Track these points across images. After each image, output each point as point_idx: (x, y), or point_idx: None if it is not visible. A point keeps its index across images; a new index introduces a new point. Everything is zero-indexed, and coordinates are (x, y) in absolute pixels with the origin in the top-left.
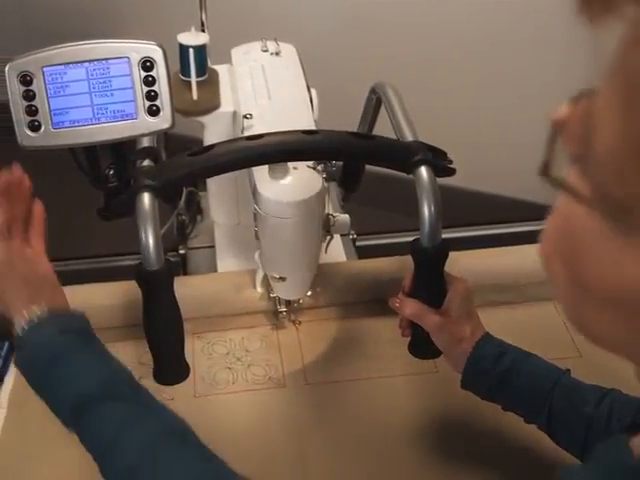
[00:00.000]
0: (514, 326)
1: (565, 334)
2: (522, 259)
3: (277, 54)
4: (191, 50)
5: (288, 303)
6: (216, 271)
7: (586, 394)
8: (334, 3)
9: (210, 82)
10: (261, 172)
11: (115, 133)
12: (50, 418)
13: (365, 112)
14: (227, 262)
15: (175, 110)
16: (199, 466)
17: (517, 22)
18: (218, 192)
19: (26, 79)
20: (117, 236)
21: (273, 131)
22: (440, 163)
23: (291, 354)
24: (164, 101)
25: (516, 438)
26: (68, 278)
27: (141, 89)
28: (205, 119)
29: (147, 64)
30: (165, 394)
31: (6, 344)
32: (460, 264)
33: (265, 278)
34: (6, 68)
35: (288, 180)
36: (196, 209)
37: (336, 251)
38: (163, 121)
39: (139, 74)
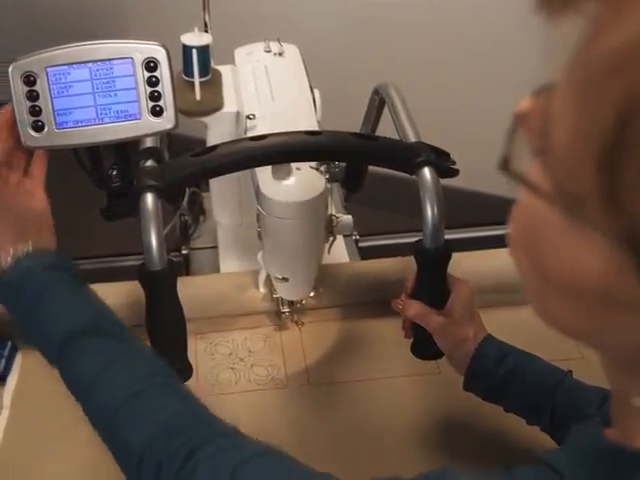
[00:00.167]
0: (516, 327)
1: None
2: None
3: (280, 55)
4: (194, 51)
5: (291, 304)
6: (219, 271)
7: (588, 395)
8: (337, 4)
9: (213, 83)
10: (264, 173)
11: (118, 133)
12: (52, 418)
13: (368, 113)
14: (230, 262)
15: (178, 111)
16: (179, 407)
17: (520, 23)
18: (221, 192)
19: (30, 79)
20: (120, 236)
21: (276, 132)
22: (443, 164)
23: (294, 355)
24: (167, 102)
25: (518, 439)
26: None
27: (144, 89)
28: (208, 120)
29: (151, 64)
30: None
31: (9, 344)
32: (462, 265)
33: (268, 279)
34: (10, 68)
35: (291, 181)
36: (199, 209)
37: (339, 252)
38: (166, 121)
39: (143, 74)
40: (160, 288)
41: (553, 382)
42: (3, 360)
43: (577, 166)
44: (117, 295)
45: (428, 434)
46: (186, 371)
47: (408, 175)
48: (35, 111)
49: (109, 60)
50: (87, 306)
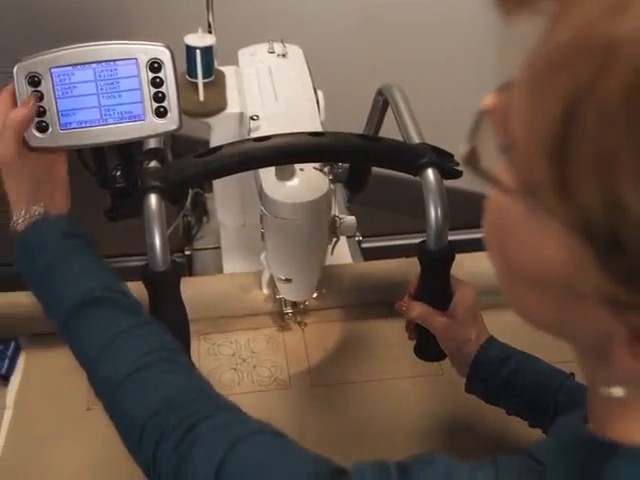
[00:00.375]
0: (517, 329)
1: None
2: None
3: (284, 56)
4: (198, 51)
5: (294, 304)
6: (222, 272)
7: None
8: (341, 5)
9: (217, 83)
10: (267, 173)
11: (122, 134)
12: (55, 418)
13: (371, 114)
14: (233, 263)
15: (182, 111)
16: (183, 382)
17: (523, 23)
18: (224, 193)
19: (34, 80)
20: (123, 237)
21: (280, 133)
22: (447, 165)
23: (297, 355)
24: (172, 102)
25: (521, 440)
26: None
27: (149, 90)
28: (212, 120)
29: (155, 65)
30: None
31: (12, 344)
32: (464, 267)
33: (271, 279)
34: (14, 69)
35: (294, 182)
36: (202, 210)
37: (342, 253)
38: (170, 122)
39: (147, 75)
40: (163, 289)
41: (555, 384)
42: (6, 360)
43: (532, 158)
44: None
45: (431, 435)
46: None
47: (411, 176)
48: (39, 112)
49: (113, 61)
50: (98, 275)
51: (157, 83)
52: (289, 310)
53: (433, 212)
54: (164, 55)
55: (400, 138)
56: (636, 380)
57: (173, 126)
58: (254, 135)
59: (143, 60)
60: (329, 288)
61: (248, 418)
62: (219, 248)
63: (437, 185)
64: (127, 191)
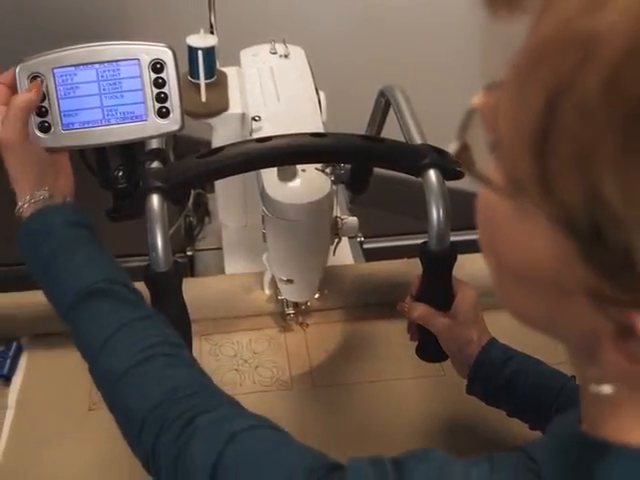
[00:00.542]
0: (518, 330)
1: None
2: None
3: (286, 56)
4: (200, 52)
5: (296, 305)
6: (223, 273)
7: None
8: (343, 6)
9: (219, 84)
10: (269, 174)
11: (125, 135)
12: (57, 418)
13: (373, 115)
14: (235, 264)
15: (184, 112)
16: (183, 377)
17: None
18: (226, 194)
19: (36, 80)
20: (125, 237)
21: (282, 133)
22: (449, 166)
23: (298, 356)
24: (174, 103)
25: (521, 442)
26: None
27: (151, 91)
28: (214, 121)
29: (157, 66)
30: None
31: (14, 344)
32: (465, 268)
33: (273, 280)
34: (17, 69)
35: (296, 182)
36: (204, 211)
37: (343, 254)
38: (173, 123)
39: (149, 76)
40: (165, 289)
41: (557, 386)
42: (8, 360)
43: (516, 154)
44: None
45: (433, 436)
46: None
47: (413, 177)
48: (42, 112)
49: (116, 61)
50: (103, 266)
51: (159, 84)
52: (291, 311)
53: (435, 213)
54: (166, 56)
55: (402, 139)
56: (624, 377)
57: (175, 127)
58: (256, 136)
59: (145, 61)
60: (331, 289)
61: (247, 412)
62: (221, 249)
63: (439, 186)
64: (129, 191)
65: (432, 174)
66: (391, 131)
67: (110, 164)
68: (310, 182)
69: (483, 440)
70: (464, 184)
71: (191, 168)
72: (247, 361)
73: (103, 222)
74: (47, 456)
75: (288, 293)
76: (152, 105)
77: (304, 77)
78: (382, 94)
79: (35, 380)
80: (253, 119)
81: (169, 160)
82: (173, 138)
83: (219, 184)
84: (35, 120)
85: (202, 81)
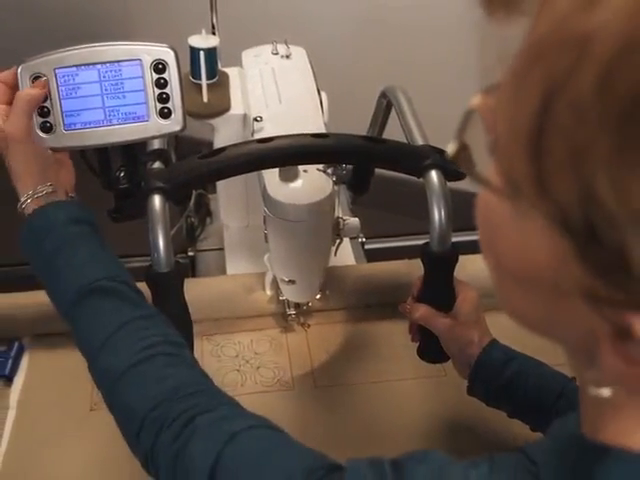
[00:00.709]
0: (520, 331)
1: None
2: None
3: (287, 57)
4: (202, 53)
5: (297, 306)
6: (225, 273)
7: None
8: (345, 6)
9: (220, 85)
10: (271, 175)
11: (126, 135)
12: (59, 418)
13: (375, 115)
14: (236, 264)
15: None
16: (184, 377)
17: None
18: (228, 194)
19: (40, 79)
20: (127, 238)
21: (283, 134)
22: (450, 167)
23: (300, 357)
24: (176, 104)
25: (522, 443)
26: None
27: (153, 91)
28: (215, 122)
29: (159, 66)
30: None
31: (15, 345)
32: (466, 269)
33: (274, 281)
34: (19, 69)
35: (298, 183)
36: (205, 211)
37: (345, 254)
38: (175, 123)
39: (151, 76)
40: (167, 290)
41: (558, 387)
42: (10, 361)
43: (512, 153)
44: None
45: (434, 436)
46: None
47: (415, 178)
48: (43, 112)
49: (118, 62)
50: (105, 264)
51: (161, 84)
52: (292, 311)
53: (437, 214)
54: (168, 56)
55: (404, 140)
56: (622, 380)
57: (177, 127)
58: (258, 136)
59: (147, 61)
60: (332, 289)
61: (247, 413)
62: (222, 249)
63: (441, 187)
64: (131, 192)
65: (434, 175)
66: (393, 132)
67: (112, 164)
68: (312, 183)
69: (484, 441)
70: (465, 185)
71: (193, 169)
72: (249, 362)
73: (105, 222)
74: (48, 456)
75: (290, 294)
76: (154, 105)
77: (306, 78)
78: (384, 95)
79: (37, 380)
80: (255, 120)
81: (171, 161)
82: (174, 139)
83: (221, 185)
84: (37, 120)
85: (204, 82)
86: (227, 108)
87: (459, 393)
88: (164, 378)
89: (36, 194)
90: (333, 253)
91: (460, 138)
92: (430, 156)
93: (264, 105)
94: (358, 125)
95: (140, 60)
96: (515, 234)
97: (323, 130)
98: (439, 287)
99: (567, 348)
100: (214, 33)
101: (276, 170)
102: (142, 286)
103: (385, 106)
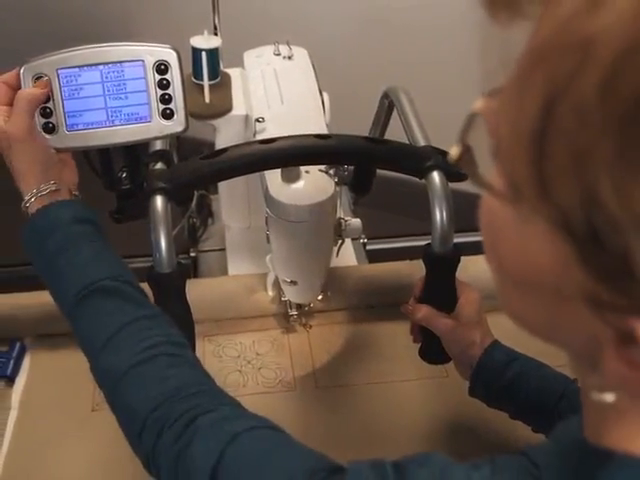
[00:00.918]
0: (522, 332)
1: None
2: None
3: (289, 58)
4: (203, 53)
5: (299, 306)
6: (227, 274)
7: None
8: (347, 7)
9: (222, 85)
10: (273, 175)
11: (129, 136)
12: (60, 419)
13: (377, 116)
14: (238, 265)
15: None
16: (186, 377)
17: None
18: (230, 195)
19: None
20: (129, 238)
21: (285, 135)
22: (452, 168)
23: (302, 357)
24: (178, 104)
25: (525, 443)
26: None
27: (155, 92)
28: (217, 122)
29: (161, 67)
30: None
31: (17, 345)
32: (468, 270)
33: (276, 281)
34: (21, 70)
35: (300, 184)
36: (207, 212)
37: (347, 255)
38: (177, 124)
39: (153, 77)
40: (169, 290)
41: (559, 388)
42: (12, 361)
43: (514, 156)
44: None
45: (436, 437)
46: None
47: (417, 179)
48: (46, 113)
49: (120, 62)
50: (108, 264)
51: (164, 85)
52: (294, 312)
53: (438, 215)
54: (171, 57)
55: (405, 140)
56: (625, 385)
57: (179, 128)
58: (260, 137)
59: (150, 62)
60: (334, 290)
61: (248, 413)
62: (224, 250)
63: (442, 188)
64: (133, 193)
65: (435, 176)
66: (395, 133)
67: (114, 165)
68: (314, 183)
69: (485, 442)
70: (467, 186)
71: (195, 169)
72: (250, 362)
73: (107, 223)
74: (50, 457)
75: (291, 294)
76: (156, 106)
77: (308, 78)
78: (386, 95)
79: (38, 381)
80: (257, 120)
81: (173, 161)
82: (176, 139)
83: (223, 185)
84: (40, 121)
85: (206, 82)
86: (229, 109)
87: (461, 394)
88: (166, 378)
89: (40, 192)
90: (335, 254)
91: (463, 141)
92: (432, 157)
93: (266, 106)
94: (360, 126)
95: (143, 61)
96: (517, 237)
97: (325, 131)
98: (441, 288)
99: (569, 353)
100: (216, 34)
101: (278, 171)
102: (144, 287)
103: (387, 107)
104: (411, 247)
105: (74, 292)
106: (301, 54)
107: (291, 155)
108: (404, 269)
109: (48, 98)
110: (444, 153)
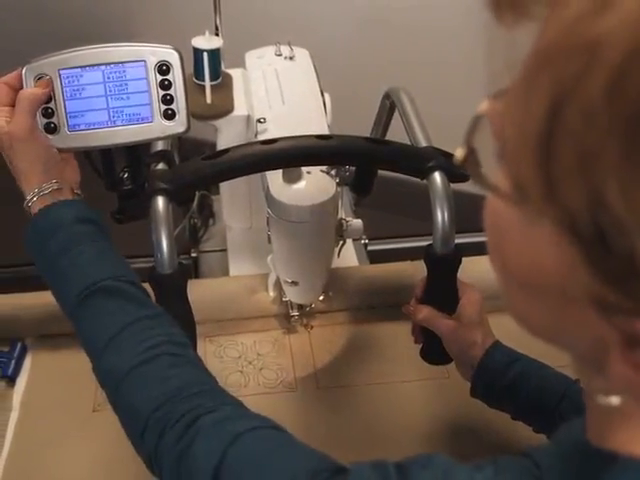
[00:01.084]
0: (523, 333)
1: None
2: None
3: (291, 58)
4: (205, 54)
5: (300, 307)
6: (228, 275)
7: None
8: (348, 8)
9: (224, 86)
10: (274, 176)
11: (131, 136)
12: (61, 419)
13: (378, 117)
14: (239, 266)
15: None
16: (188, 377)
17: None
18: (231, 196)
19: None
20: (130, 239)
21: (287, 135)
22: (454, 169)
23: (303, 358)
24: (180, 105)
25: (527, 444)
26: None
27: (157, 93)
28: (219, 123)
29: (163, 68)
30: None
31: (18, 345)
32: (469, 270)
33: (277, 282)
34: (23, 70)
35: (302, 184)
36: (208, 212)
37: (348, 255)
38: (179, 125)
39: (155, 78)
40: (170, 291)
41: (560, 388)
42: (13, 361)
43: (520, 158)
44: None
45: (437, 438)
46: None
47: (418, 179)
48: (48, 113)
49: (122, 63)
50: (110, 264)
51: (165, 85)
52: (295, 313)
53: (440, 215)
54: (172, 57)
55: (407, 141)
56: (631, 388)
57: (181, 128)
58: (261, 138)
59: (152, 62)
60: (335, 291)
61: (251, 413)
62: (225, 250)
63: (444, 189)
64: (134, 193)
65: (437, 177)
66: (396, 133)
67: (115, 166)
68: (315, 184)
69: (487, 443)
70: (469, 186)
71: (196, 170)
72: (251, 363)
73: (108, 223)
74: (51, 457)
75: (293, 295)
76: (158, 107)
77: (309, 79)
78: (387, 96)
79: (39, 381)
80: (258, 121)
81: (174, 162)
82: (178, 140)
83: (224, 186)
84: (41, 121)
85: (207, 83)
86: (230, 109)
87: (462, 395)
88: (168, 378)
89: (42, 192)
90: (336, 254)
91: (468, 143)
92: (433, 158)
93: (267, 106)
94: (361, 126)
95: (144, 61)
96: (522, 239)
97: (326, 131)
98: (442, 289)
99: (573, 355)
100: (217, 34)
101: (279, 171)
102: (145, 287)
103: (388, 107)
104: (412, 248)
105: (76, 292)
106: (302, 55)
107: (292, 156)
108: (405, 270)
109: (50, 98)
110: (446, 154)
